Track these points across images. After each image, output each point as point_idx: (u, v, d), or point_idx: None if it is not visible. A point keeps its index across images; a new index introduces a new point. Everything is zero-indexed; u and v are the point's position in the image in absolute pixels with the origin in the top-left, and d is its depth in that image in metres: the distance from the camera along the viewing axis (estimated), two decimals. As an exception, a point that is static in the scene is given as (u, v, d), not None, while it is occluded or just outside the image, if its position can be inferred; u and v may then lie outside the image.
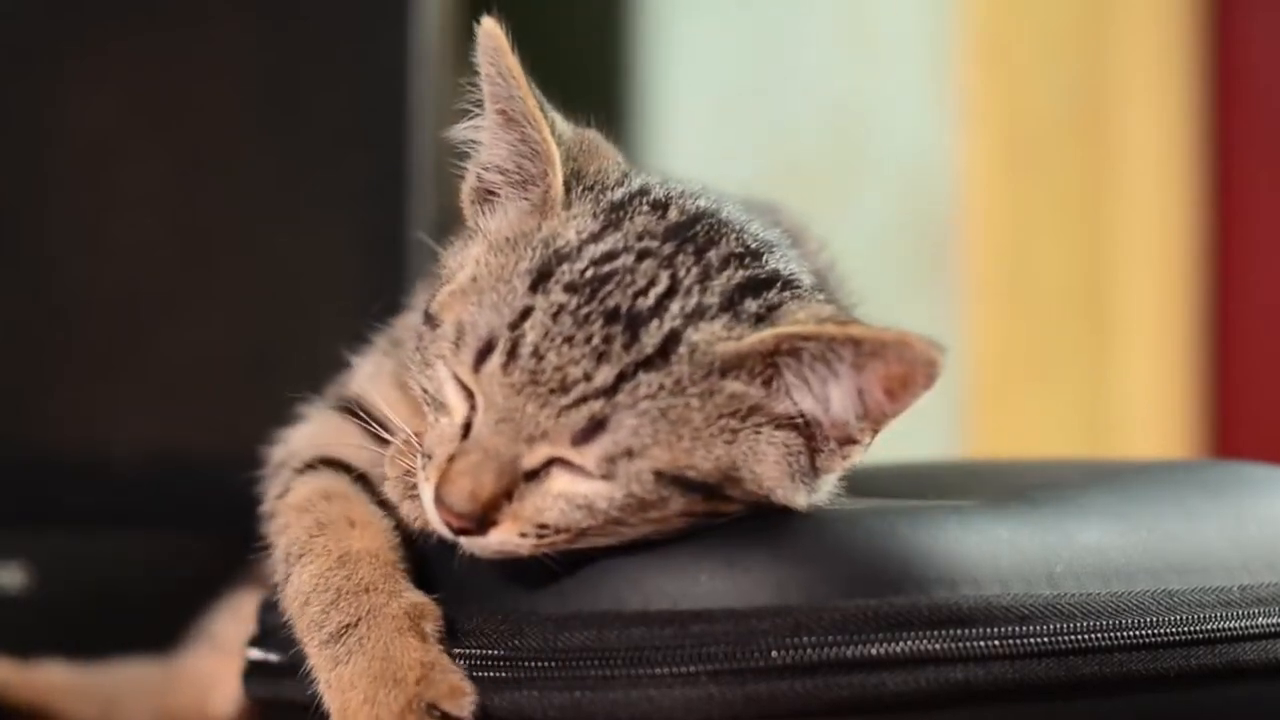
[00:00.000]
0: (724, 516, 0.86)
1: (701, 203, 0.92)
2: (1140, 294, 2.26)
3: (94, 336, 1.59)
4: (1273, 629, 0.92)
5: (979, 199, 2.16)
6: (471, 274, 0.90)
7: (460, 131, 0.94)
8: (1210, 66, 2.32)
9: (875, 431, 0.87)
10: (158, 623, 1.34)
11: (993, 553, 0.87)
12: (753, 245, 0.91)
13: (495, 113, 0.92)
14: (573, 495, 0.84)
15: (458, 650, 0.87)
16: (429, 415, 0.89)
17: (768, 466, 0.86)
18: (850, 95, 2.20)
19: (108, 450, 1.58)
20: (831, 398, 0.86)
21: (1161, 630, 0.88)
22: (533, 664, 0.86)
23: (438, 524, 0.86)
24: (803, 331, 0.85)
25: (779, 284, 0.89)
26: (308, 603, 0.90)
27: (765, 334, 0.85)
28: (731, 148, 2.23)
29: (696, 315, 0.85)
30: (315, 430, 1.01)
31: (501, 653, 0.86)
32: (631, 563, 0.86)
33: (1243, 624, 0.91)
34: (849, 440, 0.87)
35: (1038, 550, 0.88)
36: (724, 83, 2.25)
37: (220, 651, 1.28)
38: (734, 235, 0.90)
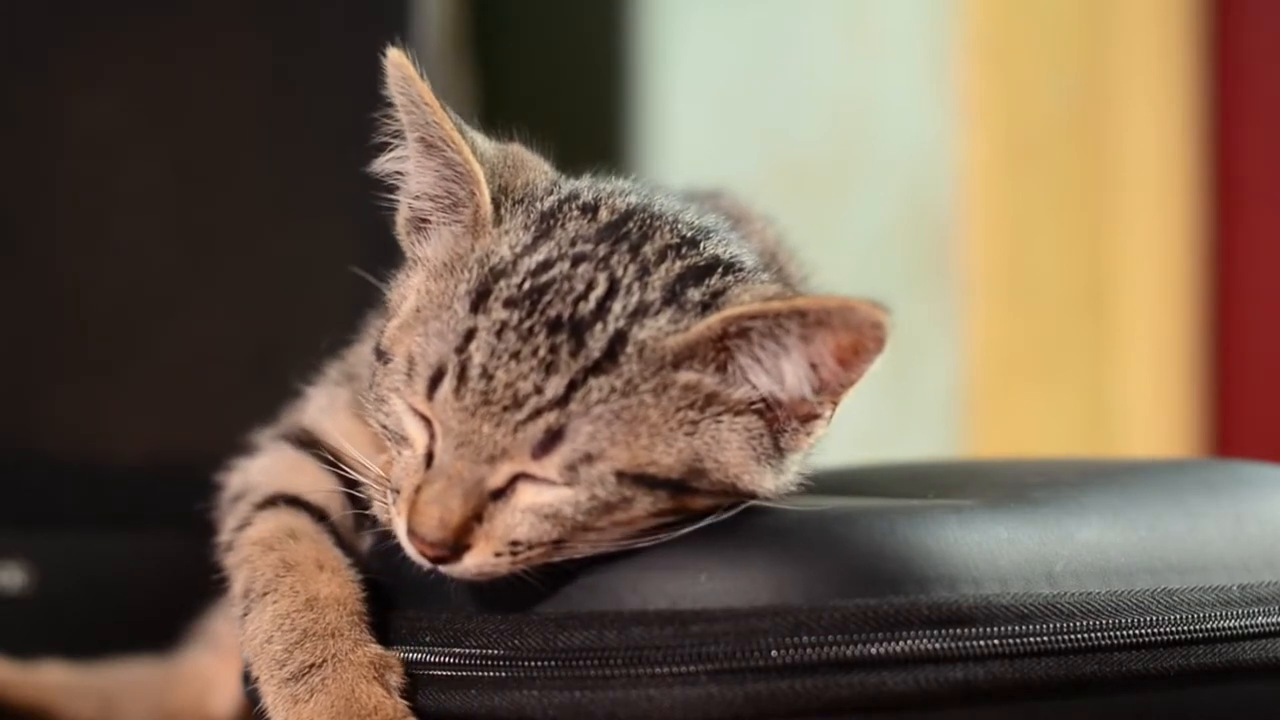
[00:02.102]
0: (694, 514, 0.86)
1: (632, 199, 0.92)
2: (1140, 293, 2.26)
3: (94, 337, 1.59)
4: (1272, 628, 0.92)
5: (979, 199, 2.16)
6: (415, 304, 0.90)
7: (384, 164, 0.94)
8: (1210, 66, 2.32)
9: (835, 403, 0.87)
10: (158, 623, 1.34)
11: (992, 552, 0.87)
12: (688, 234, 0.91)
13: (415, 141, 0.92)
14: (539, 506, 0.84)
15: (458, 650, 0.88)
16: (392, 450, 0.89)
17: (732, 453, 0.86)
18: (850, 94, 2.20)
19: (108, 451, 1.58)
20: (785, 374, 0.86)
21: (1161, 629, 0.88)
22: (533, 663, 0.86)
23: (414, 556, 0.86)
24: (747, 311, 0.85)
25: (720, 269, 0.89)
26: (270, 640, 0.90)
27: (711, 320, 0.85)
28: (731, 147, 2.23)
29: (640, 312, 0.85)
30: (272, 463, 1.01)
31: (501, 652, 0.86)
32: (631, 563, 0.86)
33: (1242, 623, 0.91)
34: (811, 416, 0.88)
35: (1037, 549, 0.88)
36: (724, 82, 2.25)
37: (220, 651, 1.28)
38: (668, 227, 0.90)
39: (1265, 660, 0.91)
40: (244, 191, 1.62)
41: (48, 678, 1.32)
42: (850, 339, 0.84)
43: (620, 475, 0.84)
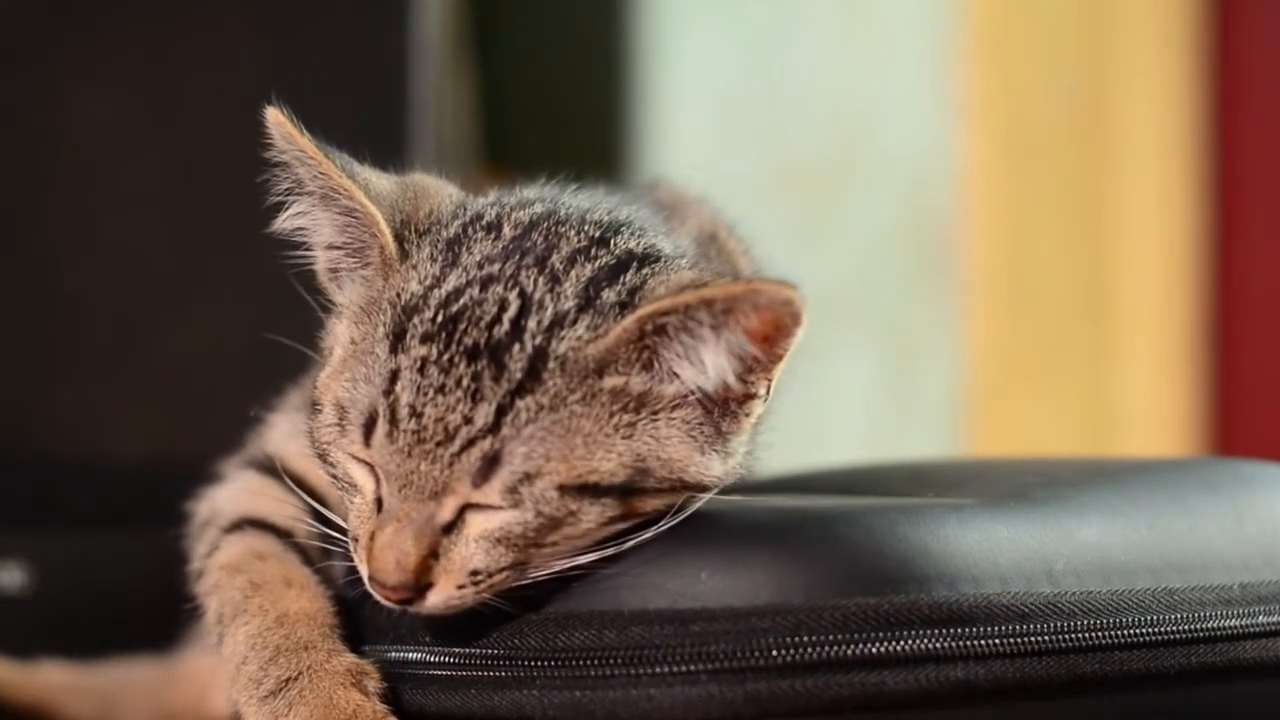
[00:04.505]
0: (650, 517, 0.86)
1: (536, 209, 0.92)
2: (1141, 293, 2.26)
3: (94, 337, 1.59)
4: (1273, 627, 0.92)
5: (979, 199, 2.16)
6: (341, 353, 0.90)
7: (284, 223, 0.93)
8: (1210, 66, 2.32)
9: (769, 380, 0.87)
10: (158, 623, 1.33)
11: (992, 551, 0.87)
12: (596, 234, 0.90)
13: (310, 195, 0.91)
14: (489, 532, 0.84)
15: (458, 650, 0.88)
16: (345, 499, 0.89)
17: (674, 448, 0.86)
18: (850, 94, 2.20)
19: (108, 451, 1.58)
20: (707, 362, 0.85)
21: (1162, 628, 0.88)
22: (532, 663, 0.86)
23: (381, 600, 0.86)
24: (660, 308, 0.84)
25: (634, 263, 0.88)
26: (245, 661, 0.90)
27: (626, 322, 0.85)
28: (731, 147, 2.23)
29: (556, 325, 0.85)
30: (237, 490, 1.01)
31: (501, 652, 0.86)
32: (631, 562, 0.86)
33: (1243, 622, 0.91)
34: (746, 397, 0.87)
35: (1037, 548, 0.88)
36: (724, 82, 2.25)
37: (219, 651, 1.28)
38: (574, 230, 0.90)
39: (1266, 659, 0.91)
40: (244, 191, 1.61)
41: (48, 678, 1.32)
42: (765, 319, 0.84)
43: (562, 489, 0.84)
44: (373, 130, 1.61)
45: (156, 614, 1.32)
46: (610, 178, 1.08)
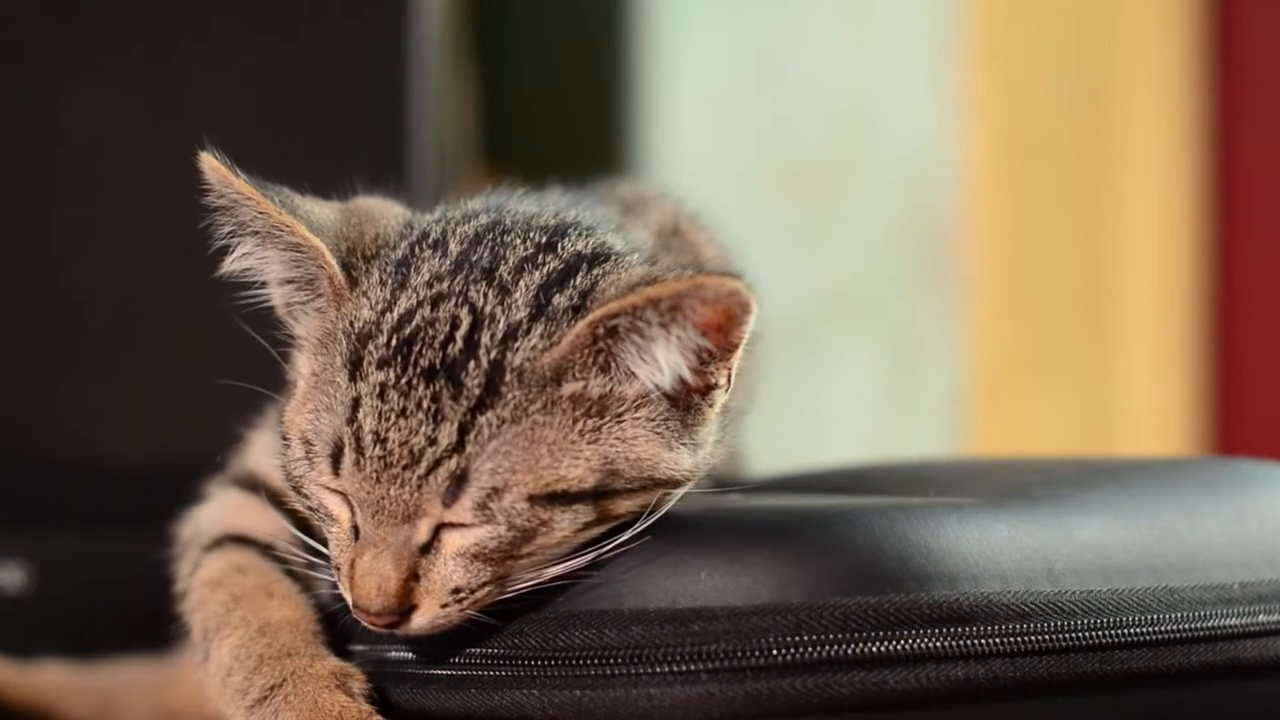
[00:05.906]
0: (626, 520, 0.86)
1: (481, 220, 0.91)
2: (1141, 292, 2.26)
3: (94, 337, 1.59)
4: (1273, 626, 0.92)
5: (979, 198, 2.16)
6: (303, 385, 0.90)
7: (232, 265, 0.93)
8: (1211, 65, 2.32)
9: (728, 369, 0.86)
10: (158, 623, 1.33)
11: (993, 550, 0.87)
12: (542, 239, 0.89)
13: (251, 235, 0.91)
14: (465, 549, 0.84)
15: (458, 649, 0.87)
16: (324, 528, 0.89)
17: (641, 446, 0.86)
18: (850, 94, 2.20)
19: (107, 451, 1.58)
20: (661, 360, 0.85)
21: (1162, 627, 0.88)
22: (533, 663, 0.86)
23: (370, 627, 0.86)
24: (608, 311, 0.84)
25: (584, 265, 0.88)
26: (230, 673, 0.90)
27: (578, 328, 0.84)
28: (731, 147, 2.23)
29: (510, 336, 0.85)
30: (219, 508, 1.02)
31: (501, 651, 0.86)
32: (631, 561, 0.86)
33: (1243, 621, 0.91)
34: (707, 388, 0.87)
35: (1038, 547, 0.88)
36: (724, 82, 2.25)
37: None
38: (519, 239, 0.89)
39: (1266, 658, 0.91)
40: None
41: (48, 678, 1.32)
42: (715, 310, 0.83)
43: (532, 499, 0.84)
44: (373, 130, 1.61)
45: (156, 614, 1.33)
46: (610, 178, 1.08)
